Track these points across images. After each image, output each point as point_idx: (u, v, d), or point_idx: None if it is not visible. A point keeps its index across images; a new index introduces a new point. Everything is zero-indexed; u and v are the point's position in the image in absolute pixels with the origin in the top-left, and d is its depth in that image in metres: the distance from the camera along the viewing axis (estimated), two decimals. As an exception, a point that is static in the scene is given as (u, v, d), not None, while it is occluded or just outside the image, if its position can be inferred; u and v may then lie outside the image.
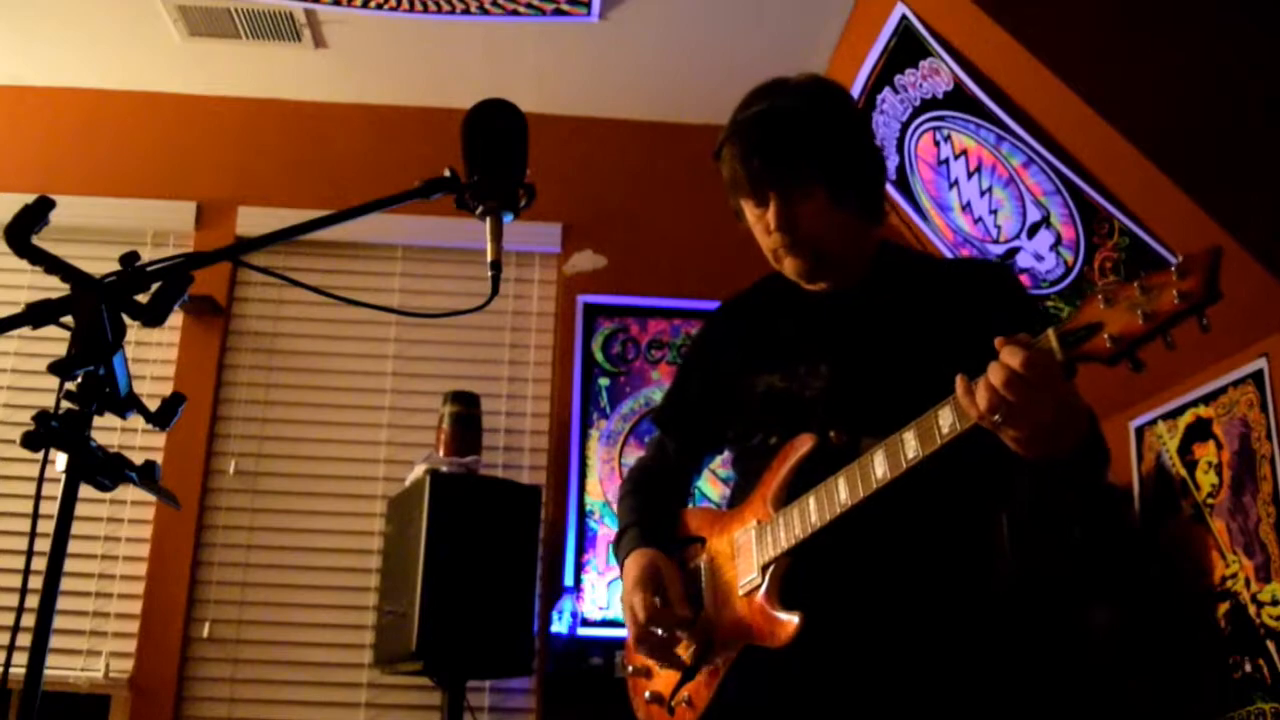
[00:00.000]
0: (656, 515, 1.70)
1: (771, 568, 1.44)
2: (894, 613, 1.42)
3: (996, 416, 1.16)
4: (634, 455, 3.50)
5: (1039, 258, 3.15)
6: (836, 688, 1.41)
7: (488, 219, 1.35)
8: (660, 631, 1.53)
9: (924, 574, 1.43)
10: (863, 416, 1.40)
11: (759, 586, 1.44)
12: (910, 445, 1.29)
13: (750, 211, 1.60)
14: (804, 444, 1.47)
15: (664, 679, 1.58)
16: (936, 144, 3.21)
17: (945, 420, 1.25)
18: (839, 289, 1.61)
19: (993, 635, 1.43)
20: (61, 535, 1.04)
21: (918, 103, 3.15)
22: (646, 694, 1.60)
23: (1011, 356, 1.14)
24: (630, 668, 1.67)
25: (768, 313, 1.69)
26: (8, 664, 1.07)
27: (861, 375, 1.49)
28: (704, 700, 1.48)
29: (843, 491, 1.37)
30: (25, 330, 1.12)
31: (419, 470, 3.04)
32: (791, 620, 1.38)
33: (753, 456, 1.58)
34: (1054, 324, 1.16)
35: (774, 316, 1.67)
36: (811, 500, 1.41)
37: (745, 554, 1.50)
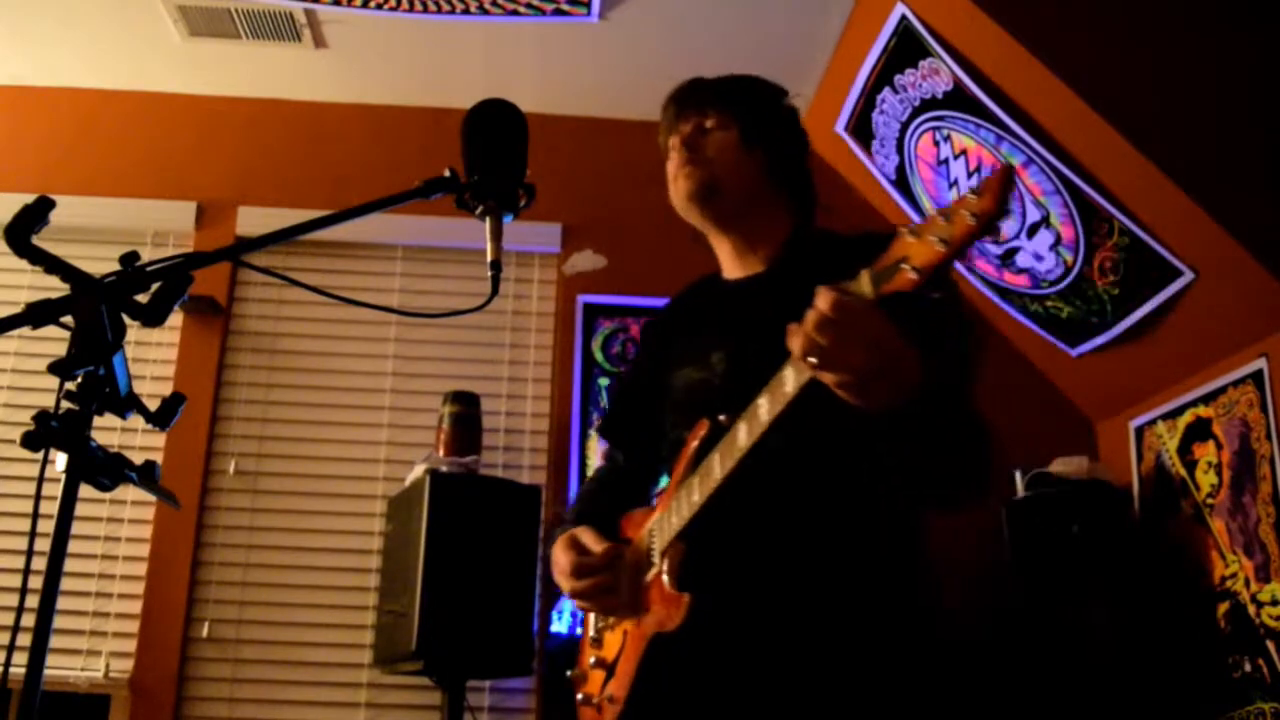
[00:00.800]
0: (591, 519, 1.70)
1: (668, 553, 1.45)
2: (780, 592, 1.42)
3: (812, 359, 1.16)
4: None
5: (1039, 258, 3.15)
6: (724, 668, 1.42)
7: (487, 219, 1.34)
8: (590, 581, 1.53)
9: (808, 552, 1.43)
10: (752, 397, 1.38)
11: (659, 573, 1.46)
12: (763, 408, 1.29)
13: (670, 149, 1.67)
14: (700, 430, 1.49)
15: (593, 680, 1.58)
16: (936, 144, 3.21)
17: (789, 377, 1.25)
18: (752, 275, 1.65)
19: (877, 618, 1.42)
20: (61, 535, 1.04)
21: (917, 103, 3.15)
22: (579, 696, 1.61)
23: (822, 299, 1.14)
24: (569, 673, 1.67)
25: (694, 308, 1.74)
26: (8, 664, 1.07)
27: (753, 358, 1.46)
28: (624, 694, 1.49)
29: (716, 467, 1.38)
30: (25, 330, 1.12)
31: (419, 470, 3.04)
32: (681, 600, 1.39)
33: (673, 452, 1.59)
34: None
35: (698, 310, 1.72)
36: (695, 480, 1.43)
37: (651, 544, 1.52)
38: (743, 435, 1.33)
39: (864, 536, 1.45)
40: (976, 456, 1.36)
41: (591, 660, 1.60)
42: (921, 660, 1.43)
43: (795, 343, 1.17)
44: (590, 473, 3.52)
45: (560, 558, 1.58)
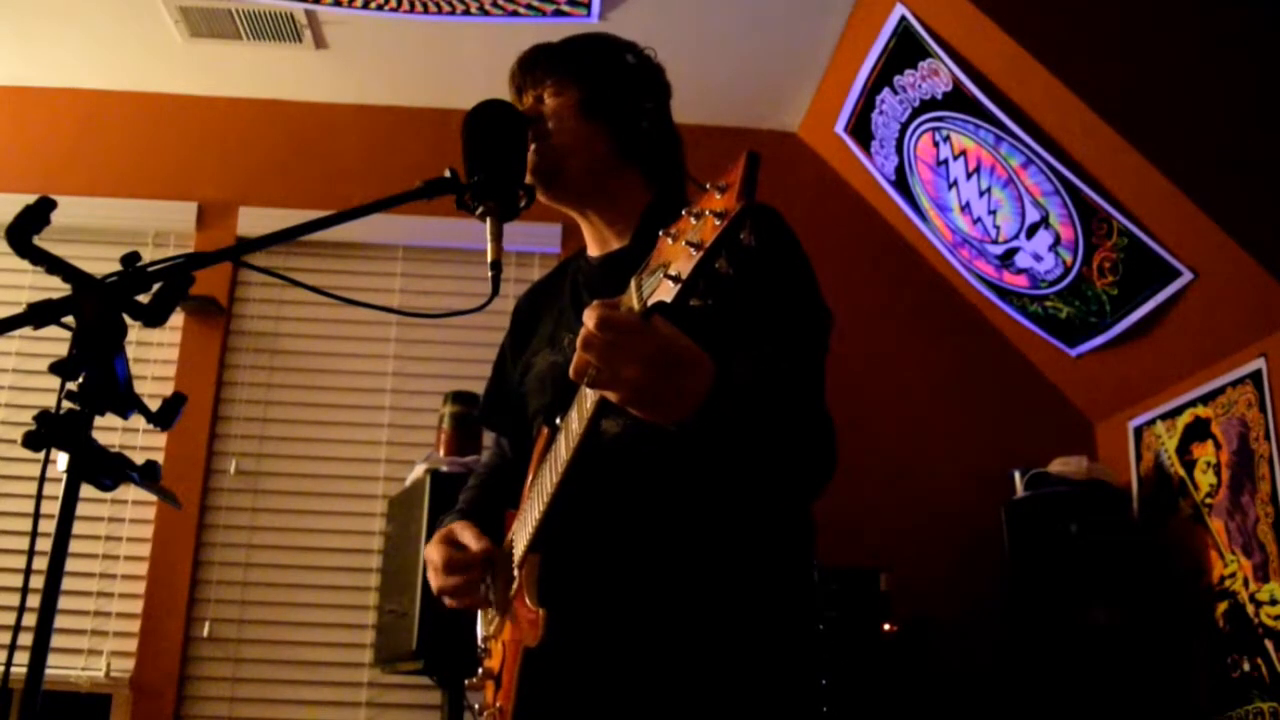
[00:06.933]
0: (482, 509, 1.64)
1: (523, 566, 1.39)
2: (635, 600, 1.35)
3: (586, 380, 1.10)
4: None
5: (1038, 258, 3.15)
6: (581, 685, 1.37)
7: (487, 219, 1.35)
8: (456, 579, 1.47)
9: (661, 557, 1.36)
10: None
11: (519, 586, 1.39)
12: (574, 422, 1.23)
13: None
14: (540, 440, 1.43)
15: (487, 690, 1.53)
16: (935, 144, 3.21)
17: (587, 394, 1.17)
18: (610, 252, 1.55)
19: (739, 623, 1.35)
20: (63, 535, 1.04)
21: (917, 103, 3.16)
22: (475, 705, 1.56)
23: (589, 316, 1.05)
24: (466, 681, 1.62)
25: (558, 288, 1.65)
26: (9, 663, 1.08)
27: None
28: (510, 706, 1.41)
29: (547, 480, 1.32)
30: (26, 330, 1.12)
31: (419, 470, 3.04)
32: (539, 616, 1.31)
33: (531, 446, 1.52)
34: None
35: (560, 290, 1.63)
36: (534, 492, 1.39)
37: (513, 554, 1.46)
38: (562, 449, 1.27)
39: (716, 538, 1.37)
40: (798, 448, 1.28)
41: (480, 671, 1.55)
42: (788, 665, 1.37)
43: (571, 364, 1.11)
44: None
45: (433, 554, 1.49)
